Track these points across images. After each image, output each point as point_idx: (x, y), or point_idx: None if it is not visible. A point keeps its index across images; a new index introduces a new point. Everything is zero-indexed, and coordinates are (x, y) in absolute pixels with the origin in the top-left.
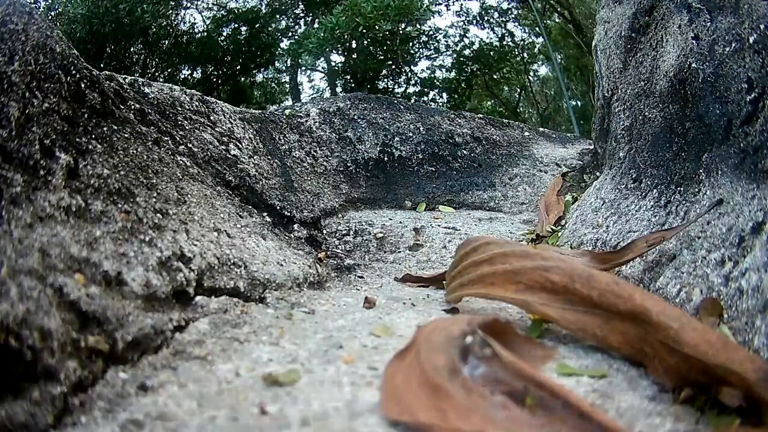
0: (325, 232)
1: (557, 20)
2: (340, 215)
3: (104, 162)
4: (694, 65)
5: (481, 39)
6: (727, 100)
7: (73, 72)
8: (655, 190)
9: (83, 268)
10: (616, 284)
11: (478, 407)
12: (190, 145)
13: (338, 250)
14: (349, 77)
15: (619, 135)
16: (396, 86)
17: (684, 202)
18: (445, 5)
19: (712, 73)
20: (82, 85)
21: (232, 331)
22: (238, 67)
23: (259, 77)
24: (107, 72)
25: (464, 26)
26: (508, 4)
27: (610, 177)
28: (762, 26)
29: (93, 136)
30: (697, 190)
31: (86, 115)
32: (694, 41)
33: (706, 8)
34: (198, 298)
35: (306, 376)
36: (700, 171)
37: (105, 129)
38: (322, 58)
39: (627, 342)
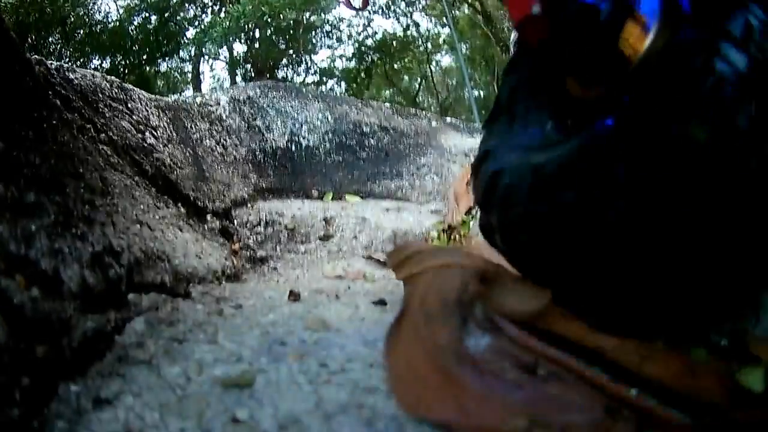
0: (236, 222)
1: (467, 11)
2: (249, 205)
3: (36, 150)
4: None
5: (385, 29)
6: None
7: (10, 54)
8: None
9: (22, 267)
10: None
11: (494, 390)
12: (110, 133)
13: (250, 242)
14: (249, 66)
15: None
16: (295, 75)
17: None
18: None
19: None
20: (17, 68)
21: (169, 330)
22: (145, 57)
23: (164, 67)
24: (37, 56)
25: (369, 16)
26: None
27: None
28: None
29: (25, 123)
30: None
31: (18, 100)
32: None
33: None
34: (130, 295)
35: (260, 377)
36: None
37: (35, 115)
38: (225, 47)
39: None
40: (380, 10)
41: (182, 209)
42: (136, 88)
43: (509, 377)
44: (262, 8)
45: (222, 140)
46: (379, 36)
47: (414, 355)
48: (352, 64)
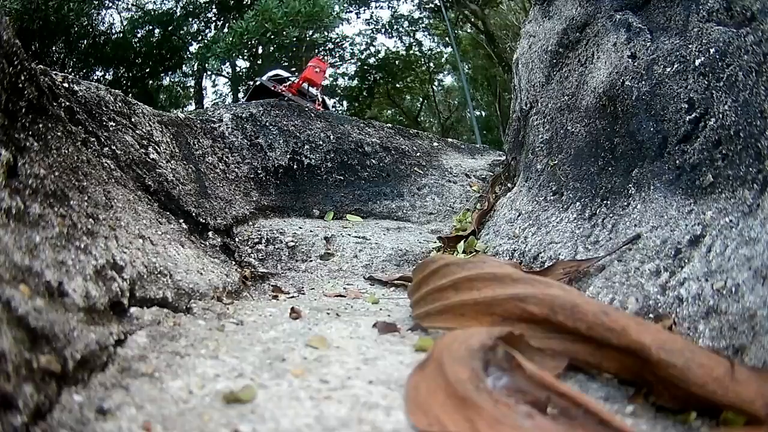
0: (237, 240)
1: (469, 31)
2: (250, 223)
3: (40, 161)
4: (627, 83)
5: (388, 48)
6: (664, 119)
7: (15, 62)
8: (578, 203)
9: (27, 277)
10: (606, 315)
11: (506, 417)
12: (114, 147)
13: (251, 259)
14: (252, 83)
15: (537, 148)
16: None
17: (611, 215)
18: (356, 13)
19: (648, 92)
20: (22, 77)
21: (171, 345)
22: (147, 70)
23: (166, 81)
24: (41, 66)
25: (372, 34)
26: (420, 14)
27: (526, 189)
28: (712, 50)
29: (30, 133)
30: (626, 203)
31: (23, 110)
32: (630, 60)
33: (648, 28)
34: (132, 309)
35: (262, 392)
36: (630, 185)
37: (40, 126)
38: (228, 63)
39: (625, 369)
40: (383, 29)
41: (184, 225)
42: (139, 103)
43: (521, 409)
44: (266, 25)
45: (224, 157)
46: (381, 55)
47: (435, 387)
48: (355, 83)
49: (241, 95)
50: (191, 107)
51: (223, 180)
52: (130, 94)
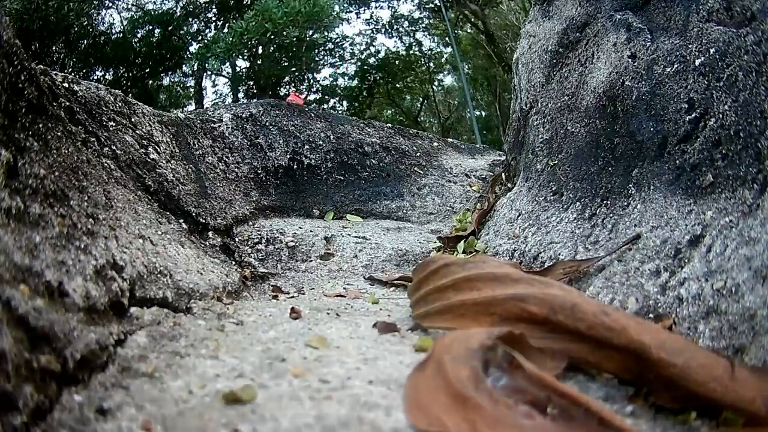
0: (237, 240)
1: (469, 30)
2: (250, 223)
3: (40, 161)
4: (627, 83)
5: (388, 48)
6: (664, 119)
7: (15, 63)
8: (578, 203)
9: (27, 277)
10: (606, 315)
11: (506, 417)
12: (114, 147)
13: (251, 259)
14: (252, 83)
15: (537, 148)
16: (297, 93)
17: (611, 215)
18: (356, 13)
19: (648, 92)
20: (22, 77)
21: (171, 345)
22: (147, 70)
23: (166, 81)
24: (41, 66)
25: (372, 34)
26: (420, 14)
27: (526, 189)
28: (712, 50)
29: (30, 133)
30: (626, 203)
31: (23, 110)
32: (630, 60)
33: (648, 28)
34: (132, 309)
35: (262, 392)
36: (630, 185)
37: (40, 126)
38: (228, 63)
39: (625, 369)
40: (383, 29)
41: (184, 225)
42: (139, 103)
43: (521, 409)
44: (266, 25)
45: (224, 157)
46: (381, 55)
47: (435, 386)
48: (355, 82)
49: (241, 95)
50: (191, 107)
51: (223, 180)
52: (130, 94)
